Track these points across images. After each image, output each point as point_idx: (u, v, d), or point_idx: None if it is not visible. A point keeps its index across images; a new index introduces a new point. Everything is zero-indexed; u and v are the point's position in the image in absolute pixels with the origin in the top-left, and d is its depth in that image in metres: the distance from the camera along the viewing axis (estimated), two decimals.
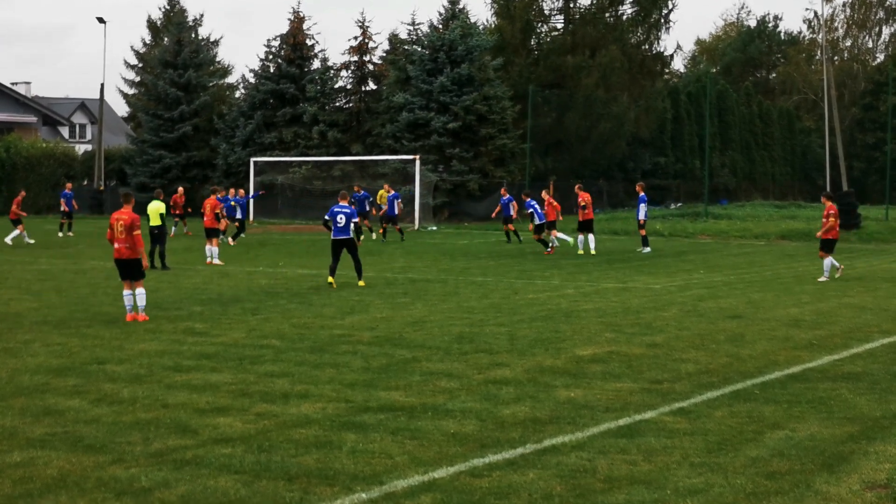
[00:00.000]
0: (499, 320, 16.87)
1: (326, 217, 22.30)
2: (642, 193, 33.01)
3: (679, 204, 65.38)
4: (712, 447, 9.10)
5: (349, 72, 59.33)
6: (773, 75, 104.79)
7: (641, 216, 32.84)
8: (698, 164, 70.48)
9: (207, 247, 28.02)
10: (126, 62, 75.74)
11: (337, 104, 59.13)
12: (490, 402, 10.82)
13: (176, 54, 61.16)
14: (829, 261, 23.79)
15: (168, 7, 75.31)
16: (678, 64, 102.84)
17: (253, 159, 53.50)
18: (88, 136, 78.98)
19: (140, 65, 73.37)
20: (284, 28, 60.33)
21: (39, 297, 20.06)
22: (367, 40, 58.68)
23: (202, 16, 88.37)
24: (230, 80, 68.45)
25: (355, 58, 58.82)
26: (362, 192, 39.89)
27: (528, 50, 63.10)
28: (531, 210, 33.48)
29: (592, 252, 31.68)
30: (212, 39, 67.18)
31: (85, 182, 63.60)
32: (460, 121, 52.77)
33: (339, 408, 10.53)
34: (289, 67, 58.20)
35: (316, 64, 59.25)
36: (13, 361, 13.09)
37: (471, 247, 36.01)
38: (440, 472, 8.33)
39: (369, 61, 59.22)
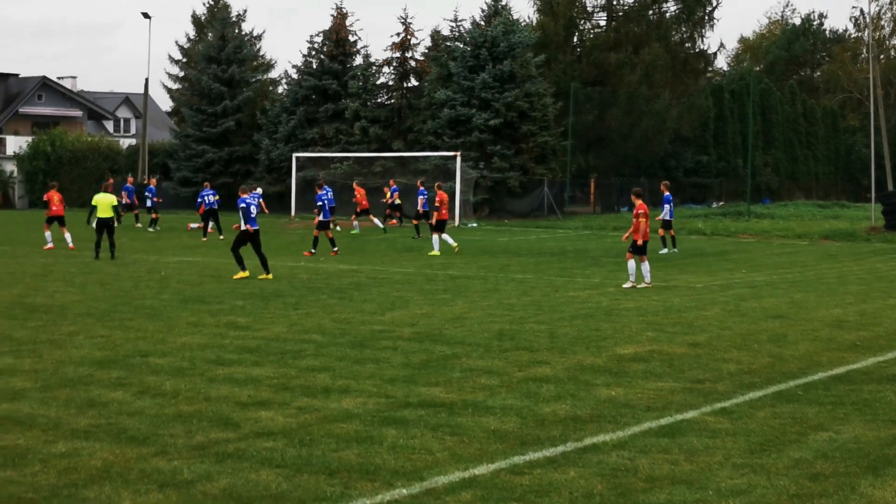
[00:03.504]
0: (539, 318, 16.84)
1: (246, 211, 22.57)
2: (667, 193, 31.80)
3: (721, 203, 64.97)
4: (755, 448, 9.03)
5: (391, 68, 59.44)
6: (818, 74, 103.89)
7: (666, 216, 31.75)
8: (741, 162, 70.01)
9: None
10: (170, 57, 76.45)
11: (379, 100, 59.24)
12: (530, 399, 10.81)
13: (219, 49, 61.50)
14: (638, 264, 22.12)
15: (212, 2, 75.80)
16: (721, 62, 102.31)
17: (295, 155, 53.71)
18: (133, 131, 79.60)
19: (184, 60, 73.87)
20: (327, 24, 60.53)
21: (83, 290, 20.25)
22: (409, 37, 58.75)
23: (245, 11, 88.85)
24: (273, 75, 68.84)
25: (397, 54, 58.90)
26: (395, 186, 42.55)
27: (570, 47, 62.92)
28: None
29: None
30: (255, 35, 67.59)
31: (129, 175, 64.12)
32: (501, 118, 52.69)
33: (380, 403, 10.55)
34: (331, 63, 58.37)
35: (358, 60, 59.38)
36: (58, 353, 13.23)
37: (511, 244, 35.96)
38: (480, 469, 8.33)
39: (411, 58, 59.29)
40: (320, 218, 29.15)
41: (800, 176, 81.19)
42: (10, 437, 9.12)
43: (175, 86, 75.08)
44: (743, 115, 70.48)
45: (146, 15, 64.48)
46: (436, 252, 29.95)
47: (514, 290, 21.11)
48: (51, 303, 18.24)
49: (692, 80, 65.78)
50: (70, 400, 10.59)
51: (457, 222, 47.72)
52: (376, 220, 42.10)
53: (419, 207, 37.83)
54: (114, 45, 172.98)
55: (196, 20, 76.96)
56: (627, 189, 60.83)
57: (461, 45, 55.55)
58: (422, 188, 37.84)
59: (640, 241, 21.81)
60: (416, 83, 59.55)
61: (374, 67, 58.67)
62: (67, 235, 31.10)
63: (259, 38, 67.89)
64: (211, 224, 36.84)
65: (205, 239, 35.44)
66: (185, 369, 12.22)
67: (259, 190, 38.65)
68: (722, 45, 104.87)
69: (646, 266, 21.92)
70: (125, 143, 71.01)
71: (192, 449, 8.82)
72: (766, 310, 18.16)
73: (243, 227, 22.58)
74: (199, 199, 36.65)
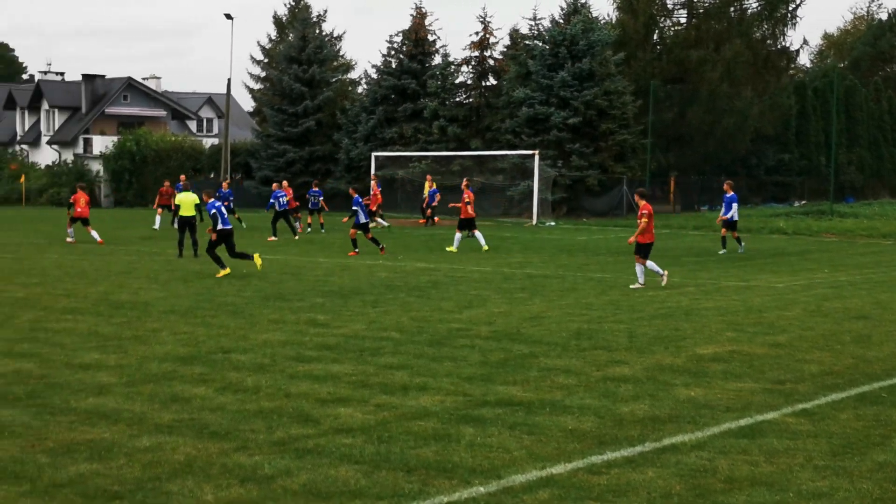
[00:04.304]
0: (618, 317, 16.75)
1: (217, 212, 23.21)
2: (731, 193, 30.71)
3: (803, 202, 63.95)
4: (837, 450, 8.91)
5: (470, 67, 59.48)
6: None
7: (730, 215, 30.69)
8: (824, 161, 68.79)
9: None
10: (252, 58, 77.29)
11: (457, 99, 59.33)
12: (608, 399, 10.77)
13: (300, 50, 62.06)
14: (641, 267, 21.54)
15: (293, 3, 76.50)
16: (804, 59, 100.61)
17: (374, 154, 54.03)
18: (215, 130, 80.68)
19: (265, 60, 74.68)
20: (407, 24, 60.75)
21: (167, 287, 20.61)
22: (487, 36, 58.76)
23: (326, 11, 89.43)
24: (353, 75, 69.28)
25: (476, 53, 58.94)
26: (434, 188, 43.45)
27: (650, 44, 62.40)
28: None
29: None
30: (335, 35, 68.07)
31: (212, 175, 65.06)
32: (580, 116, 52.44)
33: (458, 401, 10.60)
34: (410, 63, 58.60)
35: (437, 59, 59.51)
36: (142, 349, 13.49)
37: (589, 243, 35.80)
38: (558, 468, 8.33)
39: (490, 56, 59.30)
40: (358, 219, 28.99)
41: (885, 174, 79.54)
42: (96, 431, 9.33)
43: (257, 86, 75.95)
44: (826, 112, 69.25)
45: (228, 16, 65.29)
46: (453, 248, 30.46)
47: (593, 289, 21.02)
48: (135, 299, 18.59)
49: (774, 77, 64.81)
50: (154, 395, 10.80)
51: (534, 221, 47.63)
52: (381, 220, 42.22)
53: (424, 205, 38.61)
54: (197, 46, 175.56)
55: (277, 21, 77.77)
56: (708, 188, 60.27)
57: (540, 44, 55.39)
58: (434, 188, 38.19)
59: (631, 241, 21.50)
60: (494, 82, 59.53)
61: (453, 66, 58.76)
62: (94, 233, 32.16)
63: (339, 38, 68.39)
64: (293, 220, 37.13)
65: (296, 237, 35.66)
66: (266, 366, 12.38)
67: (315, 188, 40.22)
68: (805, 42, 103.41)
69: (640, 268, 21.23)
70: (208, 142, 72.00)
71: (273, 444, 8.94)
72: (849, 310, 17.86)
73: (220, 228, 23.18)
74: (272, 200, 36.61)
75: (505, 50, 59.53)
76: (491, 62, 59.39)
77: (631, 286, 21.08)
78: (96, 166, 69.14)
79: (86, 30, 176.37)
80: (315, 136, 61.16)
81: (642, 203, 21.55)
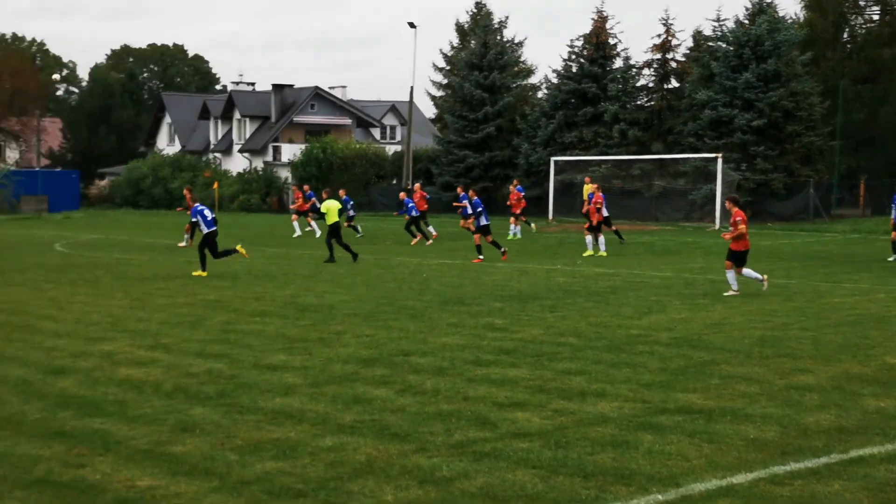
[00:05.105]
0: (802, 324, 16.29)
1: (200, 217, 24.69)
2: None
3: None
4: None
5: (651, 70, 58.79)
6: None
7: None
8: None
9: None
10: (434, 65, 78.21)
11: (638, 102, 58.72)
12: (792, 408, 10.50)
13: (481, 56, 62.53)
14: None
15: (475, 10, 77.14)
16: None
17: (553, 158, 53.99)
18: (398, 137, 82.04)
19: (447, 67, 75.52)
20: (587, 28, 60.48)
21: (350, 291, 21.09)
22: (670, 38, 57.97)
23: (507, 18, 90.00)
24: (533, 80, 69.36)
25: (658, 56, 58.22)
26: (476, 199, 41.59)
27: (840, 43, 60.37)
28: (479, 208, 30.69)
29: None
30: (516, 41, 68.29)
31: (394, 181, 66.20)
32: (765, 118, 51.14)
33: (636, 408, 10.51)
34: (591, 67, 58.33)
35: (618, 63, 59.07)
36: (326, 351, 13.86)
37: (774, 247, 34.88)
38: (738, 478, 8.18)
39: (672, 59, 58.49)
40: (479, 222, 28.78)
41: None
42: (282, 430, 9.65)
43: (438, 93, 76.87)
44: None
45: (412, 25, 66.32)
46: (590, 253, 30.25)
47: (777, 295, 20.47)
48: (320, 303, 19.10)
49: None
50: (337, 396, 11.08)
51: (717, 225, 46.71)
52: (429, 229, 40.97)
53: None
54: (381, 56, 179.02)
55: (459, 28, 78.54)
56: None
57: (724, 45, 54.30)
58: (463, 193, 37.14)
59: (727, 237, 20.80)
60: (676, 84, 58.65)
61: (634, 70, 58.19)
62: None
63: (520, 44, 68.56)
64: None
65: (428, 242, 36.09)
66: (444, 369, 12.55)
67: (416, 186, 40.44)
68: None
69: (731, 274, 20.47)
70: (391, 149, 73.28)
71: (451, 447, 9.06)
72: None
73: (206, 231, 24.47)
74: (408, 205, 36.69)
75: (688, 52, 58.58)
76: (673, 64, 58.54)
77: (724, 294, 20.38)
78: (284, 173, 71.30)
79: (275, 42, 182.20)
80: (495, 142, 61.51)
81: (735, 210, 20.76)
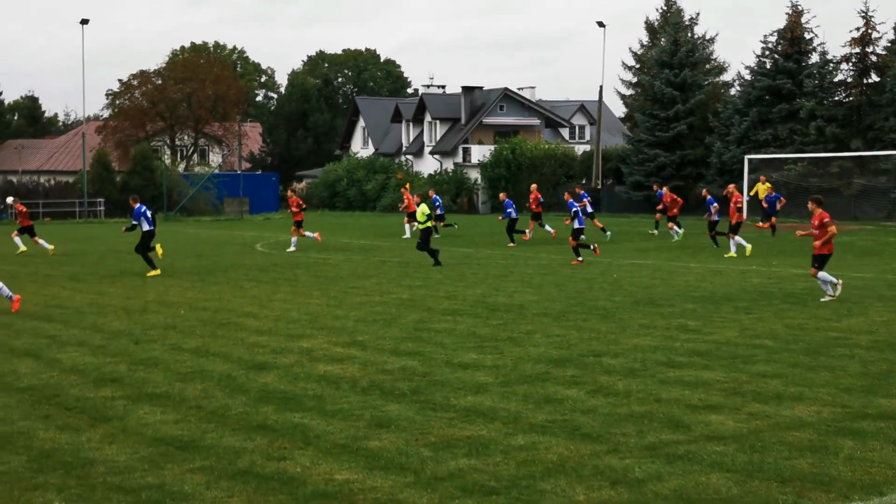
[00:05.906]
0: None
1: (142, 219, 25.89)
2: None
3: None
4: None
5: (850, 64, 56.75)
6: None
7: None
8: None
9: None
10: (624, 64, 77.55)
11: (835, 98, 56.80)
12: None
13: (672, 54, 61.71)
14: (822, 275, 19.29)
15: (665, 8, 76.12)
16: None
17: (747, 157, 52.76)
18: (587, 137, 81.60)
19: (637, 66, 74.76)
20: (782, 23, 58.85)
21: (540, 291, 21.16)
22: (869, 31, 55.83)
23: (698, 14, 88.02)
24: (725, 77, 67.96)
25: (857, 49, 56.16)
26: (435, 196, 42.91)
27: None
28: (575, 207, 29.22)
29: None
30: (707, 38, 67.07)
31: (584, 181, 65.93)
32: None
33: (835, 412, 10.22)
34: (785, 63, 56.78)
35: (814, 58, 57.30)
36: (517, 350, 13.97)
37: None
38: None
39: (872, 52, 56.30)
40: (575, 225, 28.11)
41: None
42: (474, 428, 9.78)
43: (628, 92, 76.17)
44: None
45: (601, 24, 66.00)
46: (733, 254, 29.68)
47: None
48: (511, 302, 19.24)
49: None
50: (528, 395, 11.16)
51: None
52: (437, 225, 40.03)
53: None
54: (569, 55, 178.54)
55: (649, 26, 77.61)
56: None
57: None
58: (659, 191, 35.70)
59: (800, 234, 20.57)
60: (877, 79, 56.45)
61: (832, 64, 56.32)
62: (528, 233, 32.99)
63: (712, 40, 67.31)
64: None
65: (526, 238, 36.76)
66: (636, 370, 12.47)
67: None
68: None
69: (824, 276, 19.41)
70: (580, 149, 73.00)
71: (643, 449, 9.02)
72: None
73: (146, 229, 25.80)
74: (508, 211, 36.67)
75: (889, 45, 56.29)
76: (873, 58, 56.36)
77: (821, 299, 19.26)
78: (474, 174, 71.94)
79: (464, 44, 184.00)
80: (686, 140, 60.61)
81: (818, 211, 19.63)
